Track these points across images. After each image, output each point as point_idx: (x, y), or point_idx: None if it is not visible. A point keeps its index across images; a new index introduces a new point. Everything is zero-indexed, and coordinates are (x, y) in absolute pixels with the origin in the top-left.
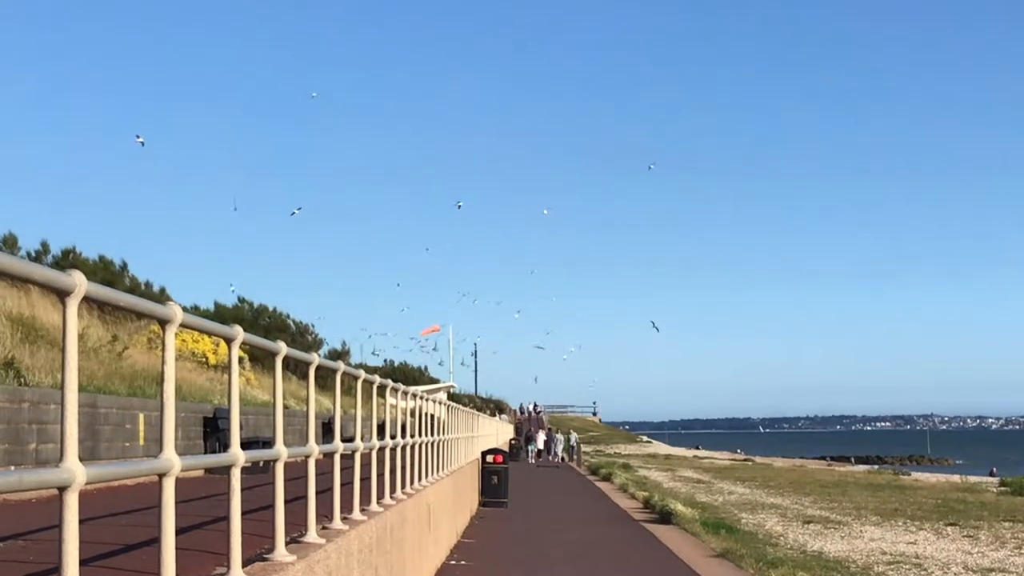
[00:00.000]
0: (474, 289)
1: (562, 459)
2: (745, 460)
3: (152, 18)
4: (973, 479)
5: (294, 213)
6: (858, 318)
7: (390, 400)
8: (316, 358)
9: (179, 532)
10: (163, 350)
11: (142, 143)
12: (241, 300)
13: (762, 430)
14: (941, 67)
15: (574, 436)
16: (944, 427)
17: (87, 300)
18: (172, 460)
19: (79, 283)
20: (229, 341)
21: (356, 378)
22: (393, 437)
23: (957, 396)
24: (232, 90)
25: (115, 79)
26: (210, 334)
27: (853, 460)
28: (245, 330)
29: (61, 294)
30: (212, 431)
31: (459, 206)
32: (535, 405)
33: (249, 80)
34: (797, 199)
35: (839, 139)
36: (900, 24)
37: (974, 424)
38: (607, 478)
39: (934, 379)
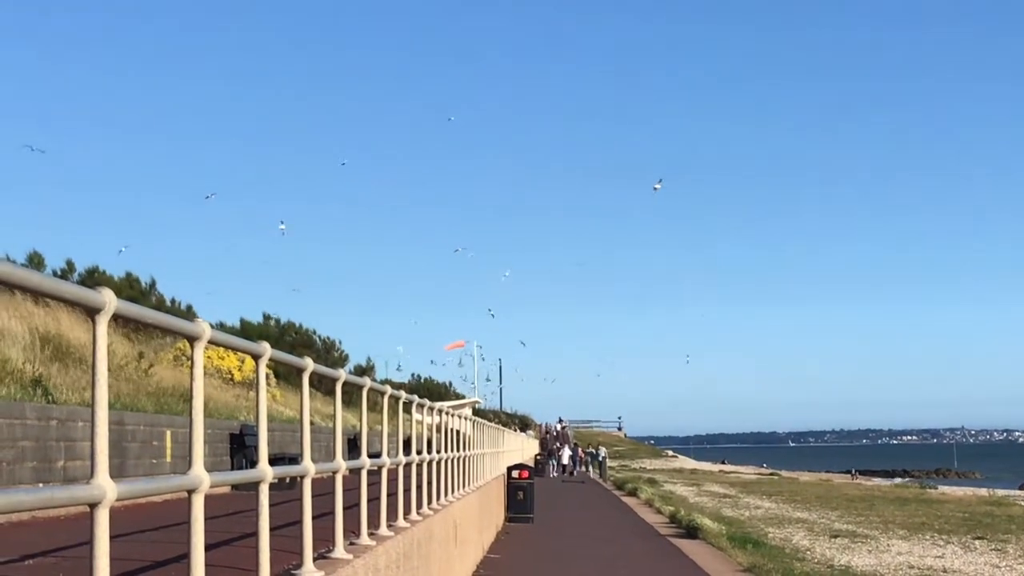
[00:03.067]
0: (498, 303)
1: (569, 473)
2: (771, 474)
3: (181, 40)
4: (1000, 492)
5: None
6: (883, 332)
7: (416, 416)
8: (342, 374)
9: (207, 548)
10: (192, 366)
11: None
12: (267, 317)
13: (791, 444)
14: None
15: (603, 451)
16: (968, 440)
17: (115, 317)
18: (201, 476)
19: (109, 300)
20: (256, 357)
21: (382, 394)
22: (419, 453)
23: (984, 409)
24: (254, 106)
25: (141, 98)
26: (238, 350)
27: (854, 472)
28: (271, 347)
29: (91, 311)
30: (238, 448)
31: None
32: (560, 420)
33: (267, 95)
34: (822, 211)
35: (861, 147)
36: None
37: (1001, 437)
38: (633, 493)
39: (961, 393)
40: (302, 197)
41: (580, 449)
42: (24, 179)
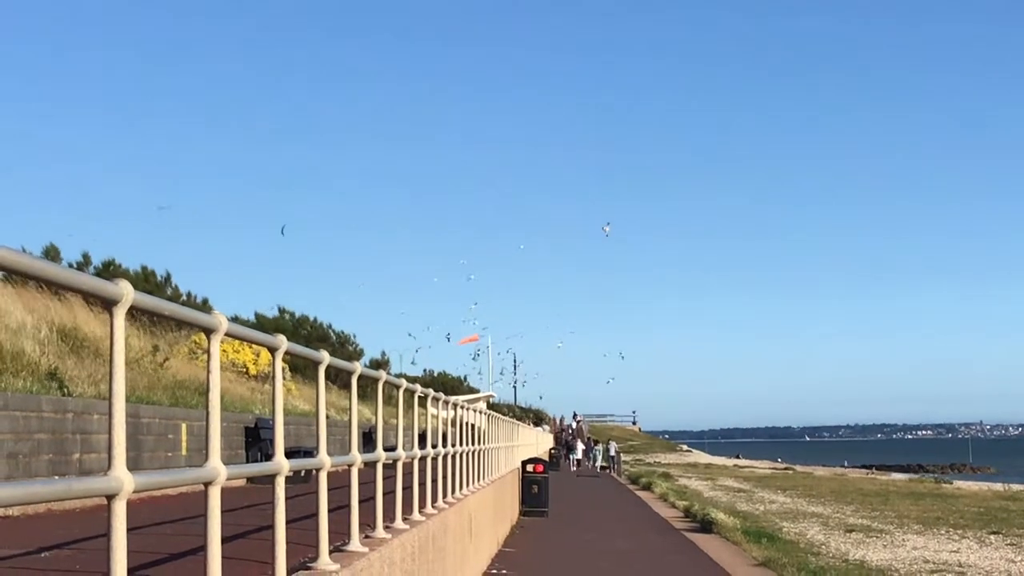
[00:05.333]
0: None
1: (601, 468)
2: (786, 469)
3: (193, 39)
4: (1016, 487)
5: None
6: (897, 327)
7: (431, 410)
8: (358, 367)
9: (224, 541)
10: (208, 359)
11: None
12: (282, 310)
13: (807, 439)
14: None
15: (613, 445)
16: (986, 435)
17: (131, 310)
18: (218, 469)
19: (126, 292)
20: (273, 350)
21: (397, 387)
22: (434, 446)
23: (999, 404)
24: (264, 102)
25: (153, 93)
26: (254, 343)
27: (846, 464)
28: (286, 340)
29: (108, 303)
30: (254, 441)
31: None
32: (575, 415)
33: (276, 90)
34: (832, 204)
35: (878, 137)
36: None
37: (1016, 432)
38: (647, 487)
39: (976, 388)
40: (311, 191)
41: (592, 442)
42: (38, 173)
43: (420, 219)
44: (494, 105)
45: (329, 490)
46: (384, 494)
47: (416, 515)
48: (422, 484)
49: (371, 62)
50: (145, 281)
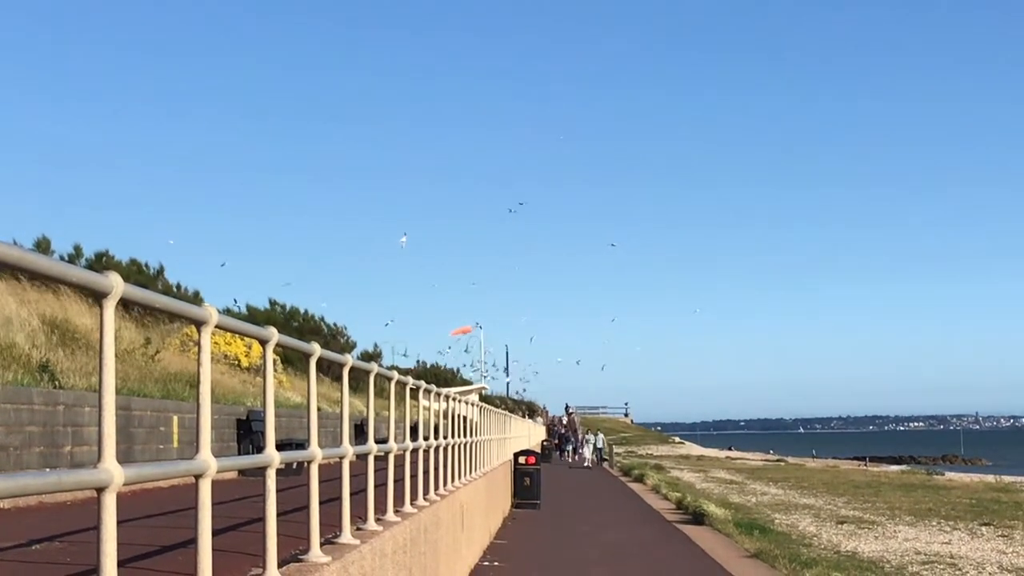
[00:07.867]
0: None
1: (592, 461)
2: (778, 461)
3: (183, 25)
4: (1008, 479)
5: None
6: (889, 319)
7: (423, 402)
8: (350, 359)
9: (214, 533)
10: (199, 351)
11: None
12: (273, 303)
13: (802, 430)
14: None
15: (601, 437)
16: (978, 427)
17: (122, 302)
18: (208, 461)
19: (116, 285)
20: (264, 343)
21: (389, 379)
22: (426, 438)
23: (991, 397)
24: (257, 93)
25: (143, 84)
26: (245, 336)
27: (814, 453)
28: (278, 332)
29: (98, 296)
30: (245, 433)
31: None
32: (567, 407)
33: (269, 82)
34: (825, 196)
35: (881, 126)
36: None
37: (1008, 424)
38: (639, 479)
39: (968, 380)
40: (307, 184)
41: (584, 435)
42: (32, 166)
43: (418, 211)
44: (491, 96)
45: (320, 482)
46: (376, 486)
47: (408, 507)
48: (414, 476)
49: (365, 53)
50: (137, 273)
